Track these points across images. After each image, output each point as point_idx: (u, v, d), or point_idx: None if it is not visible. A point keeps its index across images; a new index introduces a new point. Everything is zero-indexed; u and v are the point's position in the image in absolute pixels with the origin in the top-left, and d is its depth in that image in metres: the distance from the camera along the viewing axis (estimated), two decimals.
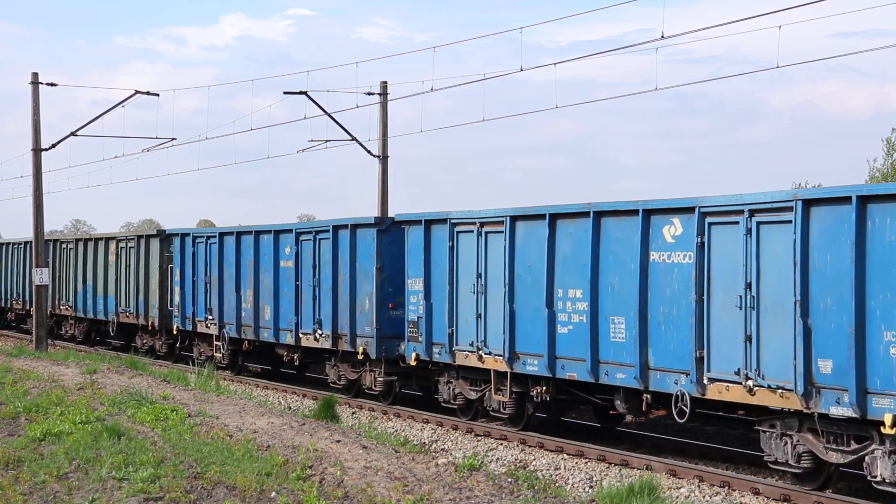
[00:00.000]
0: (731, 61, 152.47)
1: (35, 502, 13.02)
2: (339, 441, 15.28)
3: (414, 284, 22.94)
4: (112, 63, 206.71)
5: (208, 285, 31.49)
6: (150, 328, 35.93)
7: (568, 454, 19.28)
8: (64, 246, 42.90)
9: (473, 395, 21.78)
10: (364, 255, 24.85)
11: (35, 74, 36.77)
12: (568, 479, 17.47)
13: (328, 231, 25.96)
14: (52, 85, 37.30)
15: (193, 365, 29.66)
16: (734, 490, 16.26)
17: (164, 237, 35.15)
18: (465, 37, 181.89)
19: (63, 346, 40.04)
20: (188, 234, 33.08)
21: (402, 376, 24.52)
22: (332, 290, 25.62)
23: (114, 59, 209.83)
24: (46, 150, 37.07)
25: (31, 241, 42.78)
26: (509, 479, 13.19)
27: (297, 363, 28.55)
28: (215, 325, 31.13)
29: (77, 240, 42.16)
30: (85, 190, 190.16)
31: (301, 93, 33.43)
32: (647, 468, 17.65)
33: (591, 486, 16.79)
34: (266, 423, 16.90)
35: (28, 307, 45.01)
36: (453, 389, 22.07)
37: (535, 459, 19.03)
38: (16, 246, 48.92)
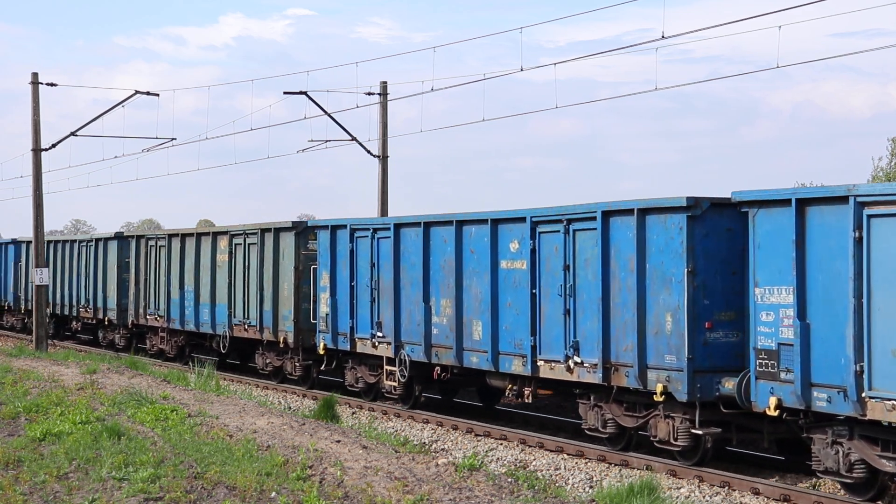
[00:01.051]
0: (731, 61, 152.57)
1: (35, 502, 13.02)
2: (339, 441, 15.28)
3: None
4: (111, 63, 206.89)
5: (376, 293, 24.77)
6: (280, 345, 28.72)
7: (568, 454, 19.28)
8: (151, 243, 36.00)
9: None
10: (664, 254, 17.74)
11: (35, 74, 36.80)
12: (568, 479, 17.47)
13: (593, 218, 18.80)
14: (51, 85, 37.35)
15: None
16: (734, 490, 16.26)
17: (303, 230, 28.13)
18: (463, 37, 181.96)
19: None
20: (343, 227, 25.76)
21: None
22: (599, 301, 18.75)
23: (113, 58, 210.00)
24: (46, 150, 37.09)
25: (102, 238, 40.17)
26: (509, 479, 13.19)
27: (528, 399, 21.12)
28: (388, 344, 24.23)
29: (171, 235, 35.05)
30: (85, 190, 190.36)
31: (301, 93, 33.44)
32: (647, 468, 17.65)
33: (591, 486, 16.79)
34: (266, 423, 16.90)
35: (104, 315, 39.63)
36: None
37: (535, 459, 19.03)
38: (85, 244, 41.82)
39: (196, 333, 33.39)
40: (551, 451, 19.61)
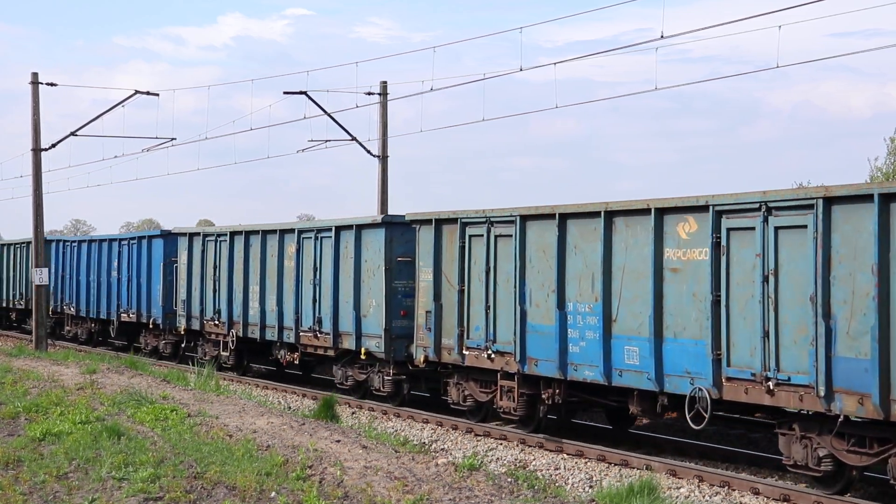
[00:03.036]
0: (730, 61, 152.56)
1: (35, 502, 13.01)
2: (338, 441, 15.28)
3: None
4: (111, 63, 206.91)
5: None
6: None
7: (568, 454, 19.28)
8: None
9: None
10: None
11: (35, 74, 36.81)
12: (568, 479, 17.47)
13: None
14: (51, 85, 37.35)
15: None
16: (734, 490, 16.26)
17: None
18: (462, 36, 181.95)
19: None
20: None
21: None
22: None
23: (112, 58, 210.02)
24: (46, 150, 37.10)
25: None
26: (509, 479, 13.19)
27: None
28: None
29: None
30: (85, 190, 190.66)
31: (301, 93, 33.44)
32: (646, 468, 17.65)
33: (590, 486, 16.79)
34: (266, 423, 16.90)
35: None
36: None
37: (534, 459, 19.04)
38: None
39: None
40: (551, 450, 19.61)
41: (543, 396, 20.04)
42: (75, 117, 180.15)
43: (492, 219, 20.85)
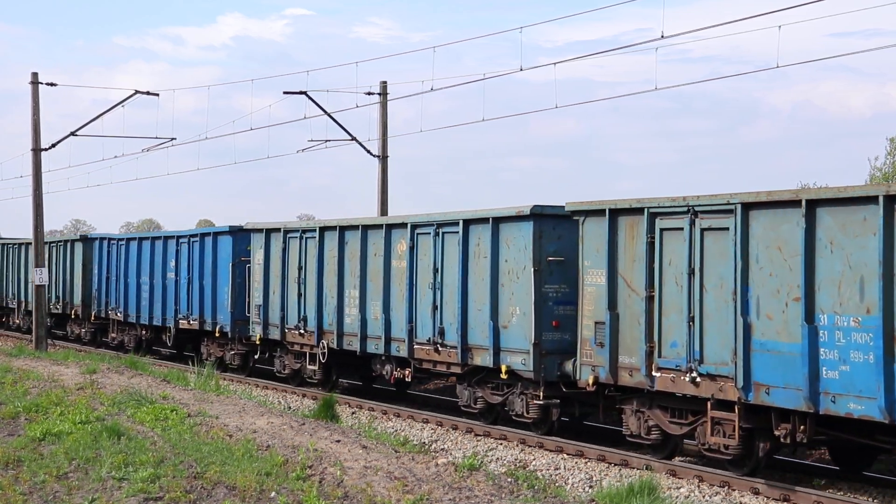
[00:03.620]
0: (730, 61, 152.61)
1: (35, 502, 13.02)
2: (338, 441, 15.28)
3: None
4: (110, 63, 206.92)
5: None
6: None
7: (568, 454, 19.28)
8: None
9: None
10: None
11: (35, 74, 36.82)
12: (568, 479, 17.47)
13: None
14: (51, 85, 37.36)
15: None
16: (734, 490, 16.26)
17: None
18: (461, 36, 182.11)
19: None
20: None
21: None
22: None
23: (112, 58, 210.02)
24: (46, 149, 37.11)
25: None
26: (509, 479, 13.19)
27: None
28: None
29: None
30: (85, 190, 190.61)
31: (301, 93, 33.45)
32: (646, 468, 17.64)
33: (590, 486, 16.79)
34: (266, 423, 16.90)
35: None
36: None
37: (534, 459, 19.04)
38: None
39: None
40: (551, 450, 19.62)
41: (777, 433, 15.99)
42: (75, 117, 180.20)
43: (696, 208, 16.88)
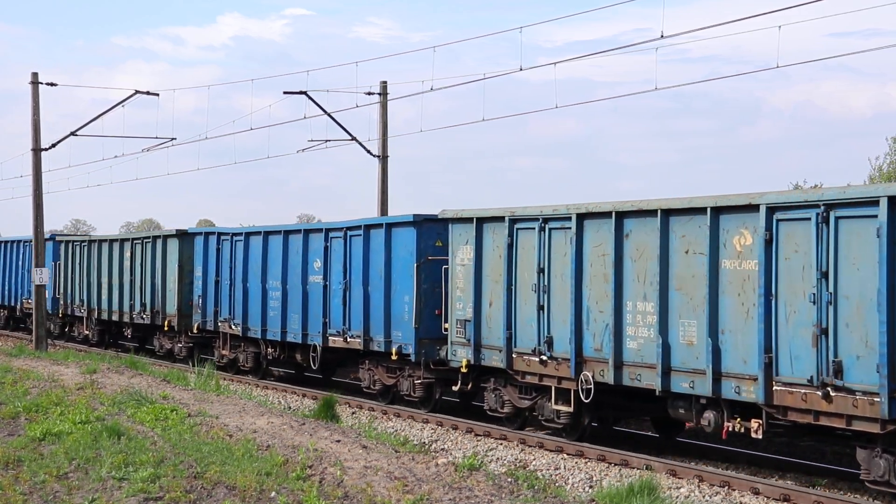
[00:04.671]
0: (730, 61, 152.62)
1: (35, 502, 13.02)
2: (338, 441, 15.29)
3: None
4: (110, 62, 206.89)
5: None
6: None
7: (568, 454, 19.28)
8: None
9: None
10: None
11: (35, 74, 36.82)
12: (568, 478, 17.47)
13: None
14: (51, 85, 37.35)
15: None
16: (734, 490, 16.26)
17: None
18: (461, 36, 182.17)
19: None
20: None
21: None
22: None
23: (112, 58, 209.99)
24: (46, 149, 37.10)
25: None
26: (509, 479, 13.20)
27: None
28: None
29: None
30: (85, 190, 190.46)
31: (301, 93, 33.46)
32: (646, 468, 17.64)
33: (590, 486, 16.79)
34: (266, 423, 16.90)
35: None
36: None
37: (534, 459, 19.03)
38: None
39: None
40: (551, 450, 19.61)
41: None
42: (75, 117, 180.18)
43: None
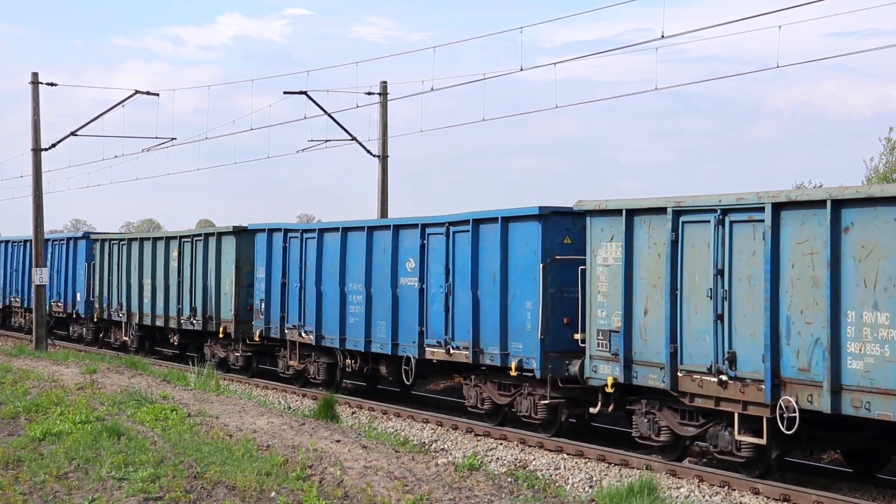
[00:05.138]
0: (730, 61, 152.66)
1: (35, 502, 13.02)
2: (338, 441, 15.29)
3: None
4: (110, 62, 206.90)
5: None
6: None
7: (568, 454, 19.28)
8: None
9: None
10: None
11: (35, 74, 36.83)
12: (568, 478, 17.47)
13: None
14: (51, 85, 37.36)
15: None
16: (734, 490, 16.26)
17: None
18: (461, 36, 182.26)
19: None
20: None
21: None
22: None
23: (112, 58, 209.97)
24: (46, 149, 37.10)
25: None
26: (509, 479, 13.20)
27: None
28: None
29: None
30: (85, 190, 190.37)
31: (301, 93, 33.46)
32: (646, 468, 17.64)
33: (590, 486, 16.79)
34: (266, 423, 16.91)
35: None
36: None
37: (534, 459, 19.04)
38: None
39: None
40: (551, 450, 19.61)
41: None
42: (75, 117, 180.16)
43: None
